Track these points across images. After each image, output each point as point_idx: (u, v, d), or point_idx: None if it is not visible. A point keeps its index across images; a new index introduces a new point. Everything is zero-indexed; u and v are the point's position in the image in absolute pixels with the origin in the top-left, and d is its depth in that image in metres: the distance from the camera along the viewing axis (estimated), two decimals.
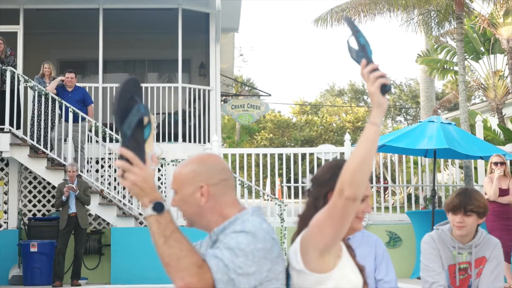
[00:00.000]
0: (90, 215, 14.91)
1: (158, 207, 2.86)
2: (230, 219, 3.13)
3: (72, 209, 13.34)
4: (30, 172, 15.10)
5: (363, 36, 2.96)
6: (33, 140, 14.64)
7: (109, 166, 15.22)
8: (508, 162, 12.37)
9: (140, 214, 14.65)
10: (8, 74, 14.59)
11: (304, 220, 3.35)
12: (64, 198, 13.26)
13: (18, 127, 14.77)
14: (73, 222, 13.35)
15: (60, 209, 13.52)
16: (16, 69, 14.96)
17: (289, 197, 17.54)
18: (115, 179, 15.13)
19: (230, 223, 3.13)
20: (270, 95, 24.73)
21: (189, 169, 3.20)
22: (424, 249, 5.07)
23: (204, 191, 3.15)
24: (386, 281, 4.73)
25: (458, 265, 4.98)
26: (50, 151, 14.68)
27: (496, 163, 11.87)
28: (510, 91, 19.87)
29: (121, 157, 2.80)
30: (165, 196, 15.13)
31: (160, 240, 2.88)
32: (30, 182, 15.30)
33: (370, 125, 2.93)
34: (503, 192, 11.78)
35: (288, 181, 16.61)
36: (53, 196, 15.14)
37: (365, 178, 2.93)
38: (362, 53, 2.94)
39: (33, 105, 14.90)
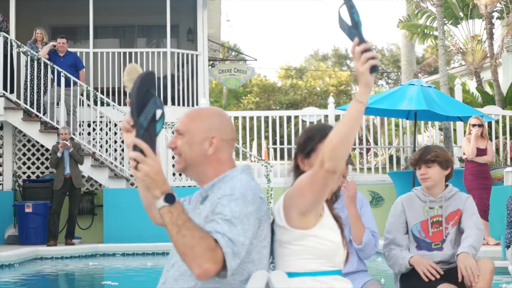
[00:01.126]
0: (83, 176, 14.87)
1: (170, 198, 2.84)
2: (219, 176, 3.15)
3: (67, 170, 13.32)
4: (24, 135, 15.04)
5: (357, 13, 2.89)
6: (26, 104, 14.55)
7: (101, 129, 15.16)
8: (486, 124, 12.38)
9: (131, 175, 14.62)
10: (1, 40, 14.45)
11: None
12: (59, 154, 13.22)
13: (11, 92, 14.68)
14: (68, 184, 13.35)
15: (55, 171, 13.50)
16: (8, 34, 14.82)
17: (275, 158, 17.53)
18: (106, 142, 15.08)
19: (219, 180, 3.16)
20: (256, 59, 24.66)
21: (206, 118, 3.20)
22: (390, 213, 5.18)
23: (214, 142, 3.15)
24: (367, 227, 4.92)
25: (430, 219, 5.01)
26: (43, 114, 14.60)
27: (474, 125, 11.87)
28: (488, 55, 19.84)
29: (135, 148, 2.80)
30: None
31: (173, 230, 2.87)
32: (24, 145, 15.24)
33: (356, 103, 2.90)
34: (480, 152, 11.79)
35: (274, 143, 16.59)
36: (46, 159, 15.11)
37: (346, 153, 2.93)
38: (356, 30, 2.88)
39: (26, 69, 14.79)
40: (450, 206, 5.03)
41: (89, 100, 15.12)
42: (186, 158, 3.17)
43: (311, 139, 3.43)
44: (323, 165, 2.91)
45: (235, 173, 3.17)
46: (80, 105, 14.98)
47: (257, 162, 15.02)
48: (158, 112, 2.85)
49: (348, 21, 2.89)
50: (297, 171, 3.44)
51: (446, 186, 5.07)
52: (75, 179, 13.40)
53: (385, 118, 15.63)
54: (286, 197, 3.17)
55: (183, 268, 3.03)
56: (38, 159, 15.26)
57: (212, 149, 3.15)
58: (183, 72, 16.82)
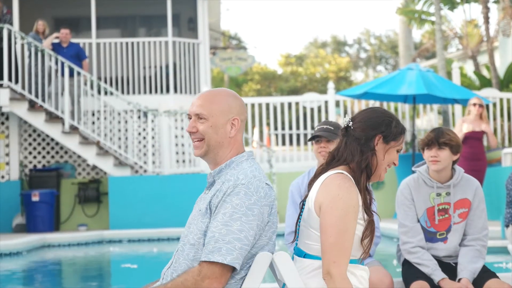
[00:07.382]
0: (88, 165, 14.87)
1: None
2: (226, 162, 3.13)
3: None
4: (30, 125, 15.01)
5: None
6: (31, 95, 14.51)
7: (105, 118, 15.13)
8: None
9: (135, 163, 14.61)
10: (5, 32, 14.40)
11: (334, 157, 3.36)
12: None
13: (16, 83, 14.63)
14: None
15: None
16: (12, 26, 14.77)
17: (277, 144, 17.50)
18: (110, 130, 15.05)
19: (226, 165, 3.15)
20: (256, 47, 24.59)
21: (224, 99, 3.16)
22: (398, 199, 4.91)
23: (236, 124, 3.14)
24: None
25: (436, 206, 4.79)
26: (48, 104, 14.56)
27: (475, 104, 11.84)
28: (485, 39, 19.77)
29: None
30: (158, 146, 15.07)
31: None
32: (29, 135, 15.21)
33: None
34: (476, 135, 11.77)
35: (276, 129, 16.56)
36: (52, 148, 15.11)
37: None
38: None
39: (30, 61, 14.73)
40: (458, 193, 4.81)
41: (92, 90, 15.09)
42: (210, 142, 3.13)
43: (397, 126, 3.39)
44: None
45: (241, 159, 3.16)
46: (84, 95, 14.95)
47: (260, 148, 15.00)
48: None
49: None
50: (367, 146, 3.32)
51: (453, 170, 4.83)
52: None
53: (384, 103, 15.58)
54: (322, 201, 3.18)
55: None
56: (43, 148, 15.23)
57: (234, 131, 3.14)
58: (184, 61, 16.77)
